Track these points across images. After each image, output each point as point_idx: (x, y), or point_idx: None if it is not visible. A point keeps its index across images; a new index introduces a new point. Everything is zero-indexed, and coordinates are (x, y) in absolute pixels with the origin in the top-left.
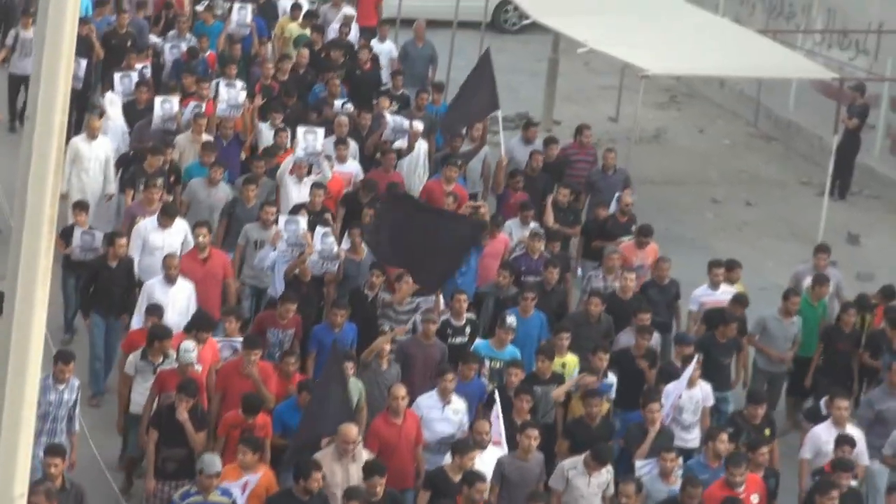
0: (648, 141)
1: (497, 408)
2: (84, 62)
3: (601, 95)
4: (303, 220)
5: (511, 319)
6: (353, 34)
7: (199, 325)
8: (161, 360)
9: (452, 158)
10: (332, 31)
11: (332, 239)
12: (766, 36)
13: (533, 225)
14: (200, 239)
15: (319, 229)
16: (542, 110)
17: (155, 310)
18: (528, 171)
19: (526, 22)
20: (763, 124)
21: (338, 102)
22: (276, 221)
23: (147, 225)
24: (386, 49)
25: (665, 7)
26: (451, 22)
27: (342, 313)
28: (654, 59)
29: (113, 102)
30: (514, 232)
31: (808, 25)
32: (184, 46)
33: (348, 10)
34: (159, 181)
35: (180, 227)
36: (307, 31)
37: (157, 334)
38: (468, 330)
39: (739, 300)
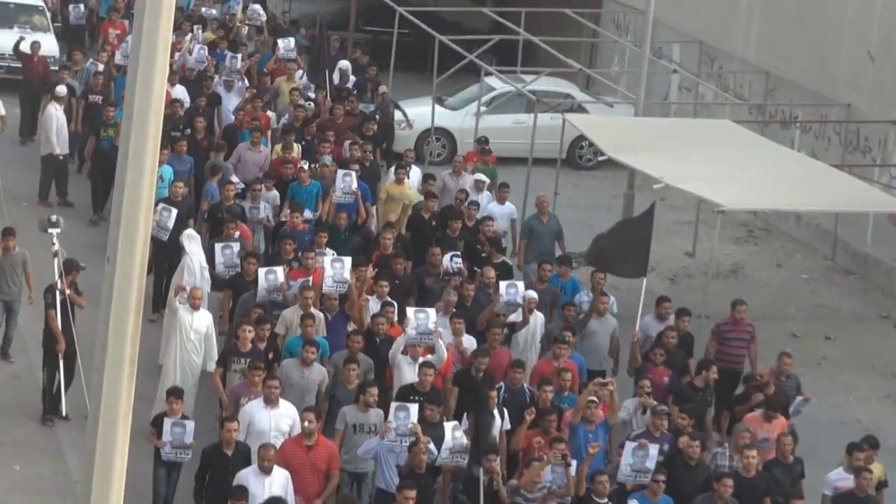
0: (726, 276)
1: None
2: (174, 212)
3: (677, 231)
4: (414, 409)
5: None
6: (483, 202)
7: None
8: None
9: (561, 335)
10: (449, 198)
11: (461, 433)
12: (843, 170)
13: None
14: (307, 425)
15: (448, 424)
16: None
17: (239, 492)
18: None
19: (601, 158)
20: (841, 258)
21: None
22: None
23: (252, 407)
24: (507, 211)
25: (740, 142)
26: (526, 159)
27: None
28: (731, 195)
29: (192, 238)
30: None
31: (884, 159)
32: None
33: (478, 176)
34: (234, 360)
35: (288, 411)
36: (422, 197)
37: None
38: None
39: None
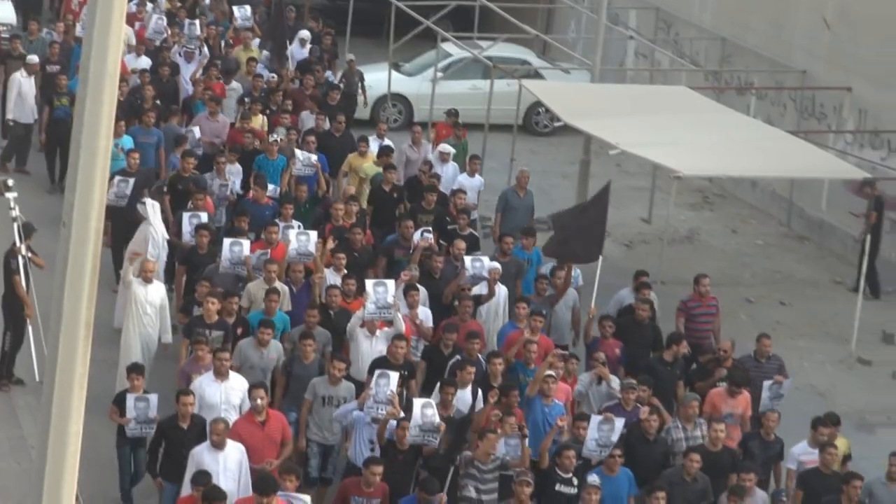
0: (681, 242)
1: None
2: (132, 181)
3: (633, 196)
4: (394, 378)
5: (594, 478)
6: (449, 173)
7: (264, 488)
8: None
9: (537, 308)
10: (412, 170)
11: (432, 411)
12: (798, 136)
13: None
14: (259, 402)
15: (418, 401)
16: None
17: (202, 477)
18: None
19: (557, 124)
20: (796, 224)
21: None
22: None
23: (203, 381)
24: (476, 184)
25: (696, 109)
26: (483, 125)
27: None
28: (686, 161)
29: (155, 209)
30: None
31: (839, 125)
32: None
33: (443, 147)
34: (210, 338)
35: (239, 384)
36: (380, 169)
37: (212, 496)
38: None
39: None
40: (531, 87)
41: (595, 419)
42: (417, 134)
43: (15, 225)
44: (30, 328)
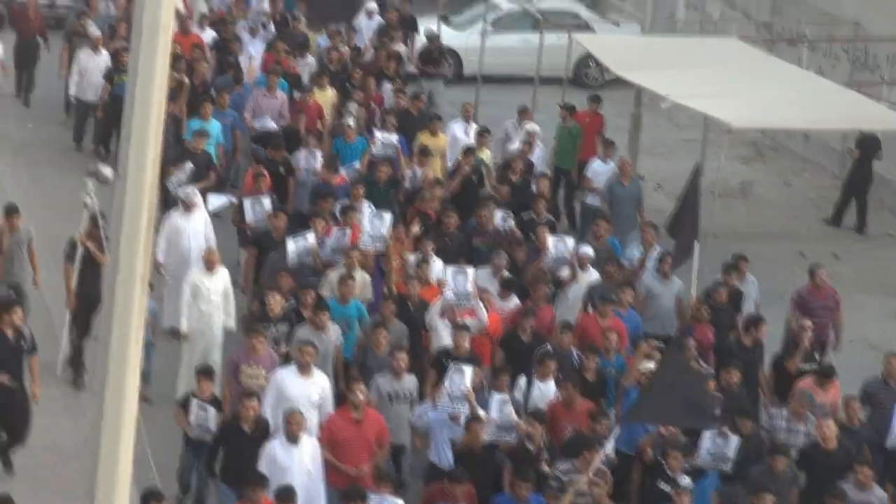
0: (734, 195)
1: None
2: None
3: (685, 149)
4: (469, 372)
5: (686, 482)
6: (538, 154)
7: (352, 498)
8: None
9: (608, 293)
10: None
11: (510, 408)
12: (851, 88)
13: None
14: (360, 396)
15: (497, 396)
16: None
17: (286, 493)
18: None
19: (608, 77)
20: None
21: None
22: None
23: (284, 374)
24: (609, 168)
25: (748, 60)
26: (532, 78)
27: (526, 485)
28: (739, 113)
29: (196, 193)
30: None
31: (892, 77)
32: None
33: (532, 125)
34: (276, 332)
35: (321, 380)
36: (487, 153)
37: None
38: None
39: None
40: (581, 40)
41: (709, 432)
42: (528, 114)
43: (85, 212)
44: (67, 319)
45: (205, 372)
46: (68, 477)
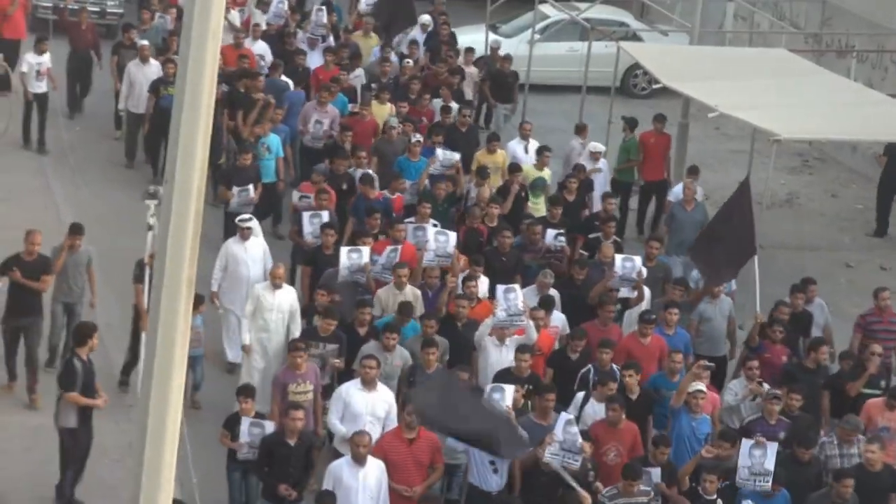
0: (780, 205)
1: None
2: (251, 188)
3: (732, 160)
4: (509, 391)
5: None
6: (602, 174)
7: None
8: None
9: (647, 314)
10: (573, 162)
11: (576, 429)
12: None
13: (766, 386)
14: (410, 417)
15: (564, 416)
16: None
17: (329, 500)
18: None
19: (656, 86)
20: None
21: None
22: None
23: (349, 388)
24: (677, 191)
25: (796, 71)
26: (580, 87)
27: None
28: (786, 124)
29: (253, 220)
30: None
31: None
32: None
33: (596, 144)
34: (324, 351)
35: (386, 396)
36: (542, 173)
37: None
38: None
39: None
40: (629, 49)
41: (745, 444)
42: (585, 131)
43: (150, 234)
44: (143, 342)
45: (245, 391)
46: (110, 477)
